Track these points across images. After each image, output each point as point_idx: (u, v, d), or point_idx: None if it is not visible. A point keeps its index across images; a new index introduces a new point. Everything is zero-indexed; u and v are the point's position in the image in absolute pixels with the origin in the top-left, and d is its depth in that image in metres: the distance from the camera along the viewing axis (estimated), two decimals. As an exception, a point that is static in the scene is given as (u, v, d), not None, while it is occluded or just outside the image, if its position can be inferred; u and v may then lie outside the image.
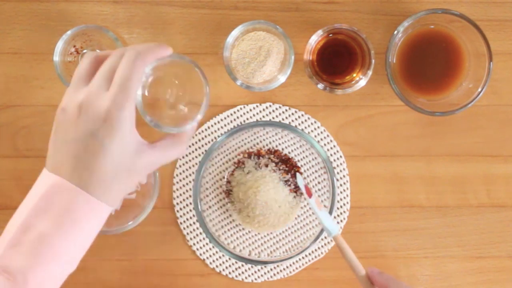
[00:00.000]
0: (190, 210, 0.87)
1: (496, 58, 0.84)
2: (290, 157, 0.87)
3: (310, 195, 0.81)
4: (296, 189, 0.87)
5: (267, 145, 0.87)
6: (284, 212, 0.86)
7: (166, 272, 0.88)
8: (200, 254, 0.87)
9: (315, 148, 0.83)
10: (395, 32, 0.81)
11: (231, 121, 0.87)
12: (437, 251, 0.88)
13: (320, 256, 0.88)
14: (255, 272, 0.88)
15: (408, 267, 0.88)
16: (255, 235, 0.87)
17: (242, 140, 0.87)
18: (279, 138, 0.87)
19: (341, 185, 0.87)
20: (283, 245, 0.87)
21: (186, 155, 0.87)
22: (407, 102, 0.81)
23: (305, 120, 0.87)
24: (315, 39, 0.83)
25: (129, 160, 0.62)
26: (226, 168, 0.87)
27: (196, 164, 0.87)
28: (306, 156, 0.86)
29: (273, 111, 0.87)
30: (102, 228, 0.83)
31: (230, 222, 0.88)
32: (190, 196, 0.87)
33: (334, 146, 0.87)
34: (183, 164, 0.87)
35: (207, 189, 0.86)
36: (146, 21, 0.86)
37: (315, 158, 0.85)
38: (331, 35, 0.84)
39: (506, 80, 0.87)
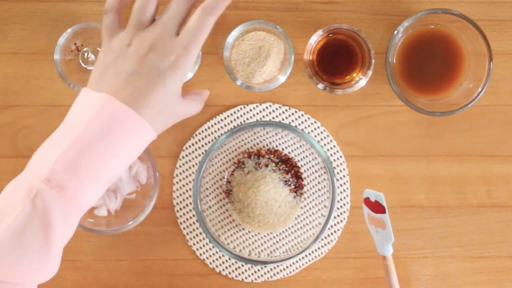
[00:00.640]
0: (190, 210, 0.87)
1: (496, 58, 0.84)
2: (290, 157, 0.87)
3: (384, 211, 0.81)
4: (296, 189, 0.87)
5: (267, 145, 0.87)
6: (284, 212, 0.86)
7: (166, 272, 0.88)
8: (200, 254, 0.87)
9: (315, 148, 0.83)
10: (395, 32, 0.81)
11: (231, 121, 0.87)
12: (437, 251, 0.88)
13: (320, 256, 0.88)
14: (255, 272, 0.88)
15: (408, 267, 0.88)
16: (255, 235, 0.87)
17: (242, 140, 0.87)
18: (279, 138, 0.87)
19: (341, 185, 0.87)
20: (283, 245, 0.87)
21: (186, 155, 0.87)
22: (407, 102, 0.81)
23: (305, 120, 0.87)
24: (315, 39, 0.83)
25: (175, 101, 0.70)
26: (226, 168, 0.87)
27: (196, 164, 0.87)
28: (306, 156, 0.86)
29: (273, 111, 0.87)
30: (102, 228, 0.84)
31: (230, 222, 0.87)
32: (190, 196, 0.87)
33: (334, 146, 0.87)
34: (183, 164, 0.87)
35: (207, 189, 0.86)
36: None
37: (315, 158, 0.85)
38: (331, 35, 0.84)
39: (506, 80, 0.87)
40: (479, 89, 0.81)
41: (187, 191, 0.87)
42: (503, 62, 0.87)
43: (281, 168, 0.87)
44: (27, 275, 0.63)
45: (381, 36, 0.86)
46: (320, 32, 0.82)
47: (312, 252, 0.88)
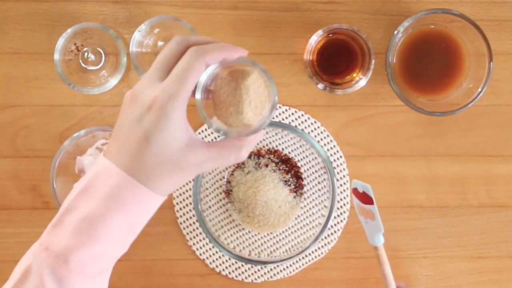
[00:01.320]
0: (190, 210, 0.87)
1: (496, 58, 0.84)
2: (290, 157, 0.87)
3: (372, 202, 0.80)
4: (296, 189, 0.87)
5: (267, 145, 0.87)
6: (284, 212, 0.86)
7: (166, 272, 0.88)
8: (200, 254, 0.87)
9: (315, 148, 0.83)
10: (395, 32, 0.81)
11: (231, 121, 0.87)
12: (437, 251, 0.88)
13: (320, 256, 0.88)
14: (255, 272, 0.88)
15: (408, 267, 0.88)
16: (255, 235, 0.87)
17: (242, 140, 0.87)
18: (279, 138, 0.87)
19: (341, 185, 0.87)
20: (283, 245, 0.87)
21: (186, 155, 0.87)
22: (407, 102, 0.81)
23: (305, 120, 0.87)
24: (315, 39, 0.83)
25: (175, 153, 0.59)
26: (226, 168, 0.87)
27: (196, 164, 0.87)
28: (306, 156, 0.86)
29: (273, 111, 0.87)
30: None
31: (230, 222, 0.87)
32: (190, 196, 0.87)
33: (334, 146, 0.87)
34: (183, 164, 0.87)
35: (207, 189, 0.86)
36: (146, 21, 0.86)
37: (315, 158, 0.85)
38: (331, 35, 0.84)
39: (506, 80, 0.87)
40: (479, 89, 0.81)
41: (187, 191, 0.87)
42: (503, 62, 0.87)
43: (281, 168, 0.87)
44: None
45: (381, 36, 0.86)
46: (320, 32, 0.82)
47: (312, 252, 0.88)
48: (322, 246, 0.88)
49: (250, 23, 0.86)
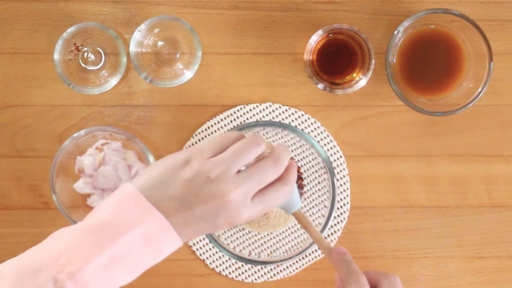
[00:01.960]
0: (190, 210, 0.87)
1: (496, 58, 0.84)
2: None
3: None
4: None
5: (267, 145, 0.87)
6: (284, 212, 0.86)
7: (166, 272, 0.87)
8: (200, 254, 0.87)
9: (315, 148, 0.83)
10: (395, 32, 0.81)
11: (231, 121, 0.87)
12: (437, 251, 0.88)
13: (320, 256, 0.88)
14: (255, 272, 0.88)
15: (408, 267, 0.88)
16: (255, 235, 0.87)
17: (242, 140, 0.87)
18: (279, 138, 0.87)
19: (341, 185, 0.87)
20: (283, 245, 0.87)
21: (186, 155, 0.87)
22: (407, 102, 0.81)
23: (305, 120, 0.87)
24: (315, 39, 0.83)
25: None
26: (226, 168, 0.87)
27: (196, 164, 0.87)
28: (306, 156, 0.86)
29: (273, 111, 0.87)
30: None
31: (230, 222, 0.87)
32: (190, 196, 0.87)
33: (334, 146, 0.87)
34: (183, 164, 0.87)
35: (207, 189, 0.86)
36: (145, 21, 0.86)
37: (315, 158, 0.85)
38: (331, 35, 0.84)
39: (506, 80, 0.87)
40: (479, 89, 0.81)
41: (187, 191, 0.87)
42: (503, 62, 0.86)
43: (281, 168, 0.87)
44: None
45: (381, 36, 0.86)
46: (320, 32, 0.82)
47: (312, 252, 0.88)
48: (322, 246, 0.88)
49: (250, 23, 0.86)
